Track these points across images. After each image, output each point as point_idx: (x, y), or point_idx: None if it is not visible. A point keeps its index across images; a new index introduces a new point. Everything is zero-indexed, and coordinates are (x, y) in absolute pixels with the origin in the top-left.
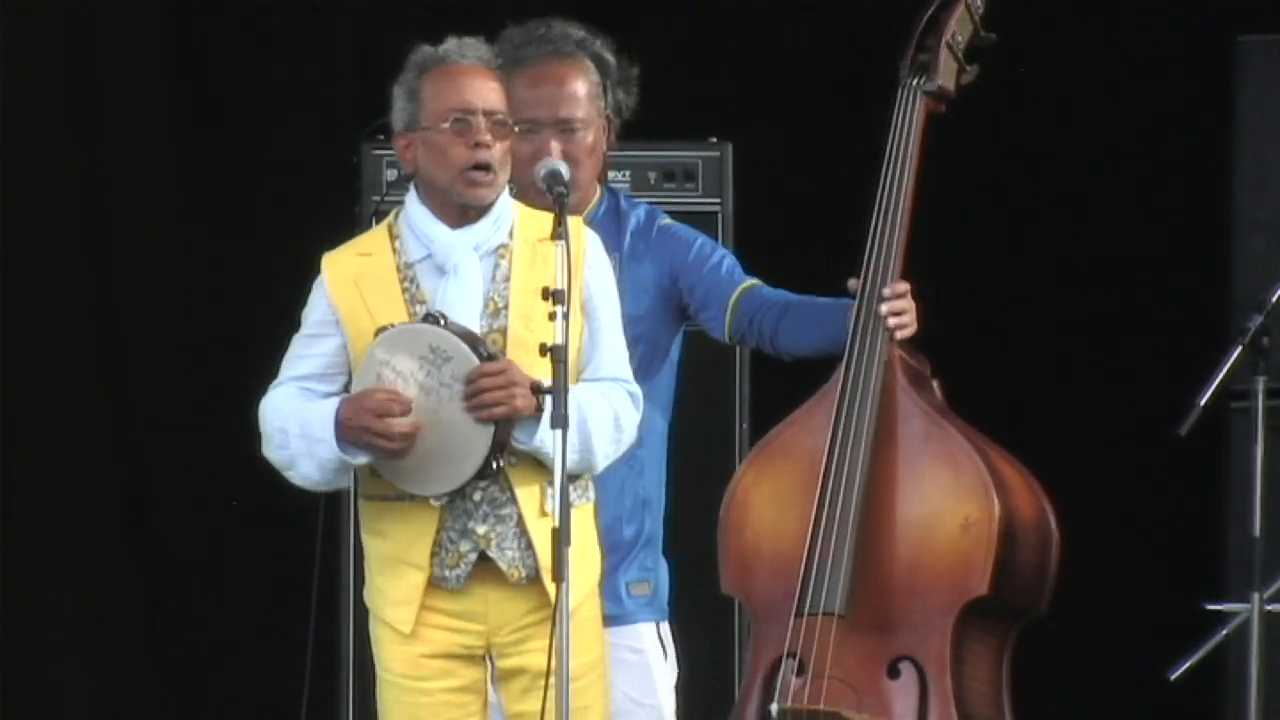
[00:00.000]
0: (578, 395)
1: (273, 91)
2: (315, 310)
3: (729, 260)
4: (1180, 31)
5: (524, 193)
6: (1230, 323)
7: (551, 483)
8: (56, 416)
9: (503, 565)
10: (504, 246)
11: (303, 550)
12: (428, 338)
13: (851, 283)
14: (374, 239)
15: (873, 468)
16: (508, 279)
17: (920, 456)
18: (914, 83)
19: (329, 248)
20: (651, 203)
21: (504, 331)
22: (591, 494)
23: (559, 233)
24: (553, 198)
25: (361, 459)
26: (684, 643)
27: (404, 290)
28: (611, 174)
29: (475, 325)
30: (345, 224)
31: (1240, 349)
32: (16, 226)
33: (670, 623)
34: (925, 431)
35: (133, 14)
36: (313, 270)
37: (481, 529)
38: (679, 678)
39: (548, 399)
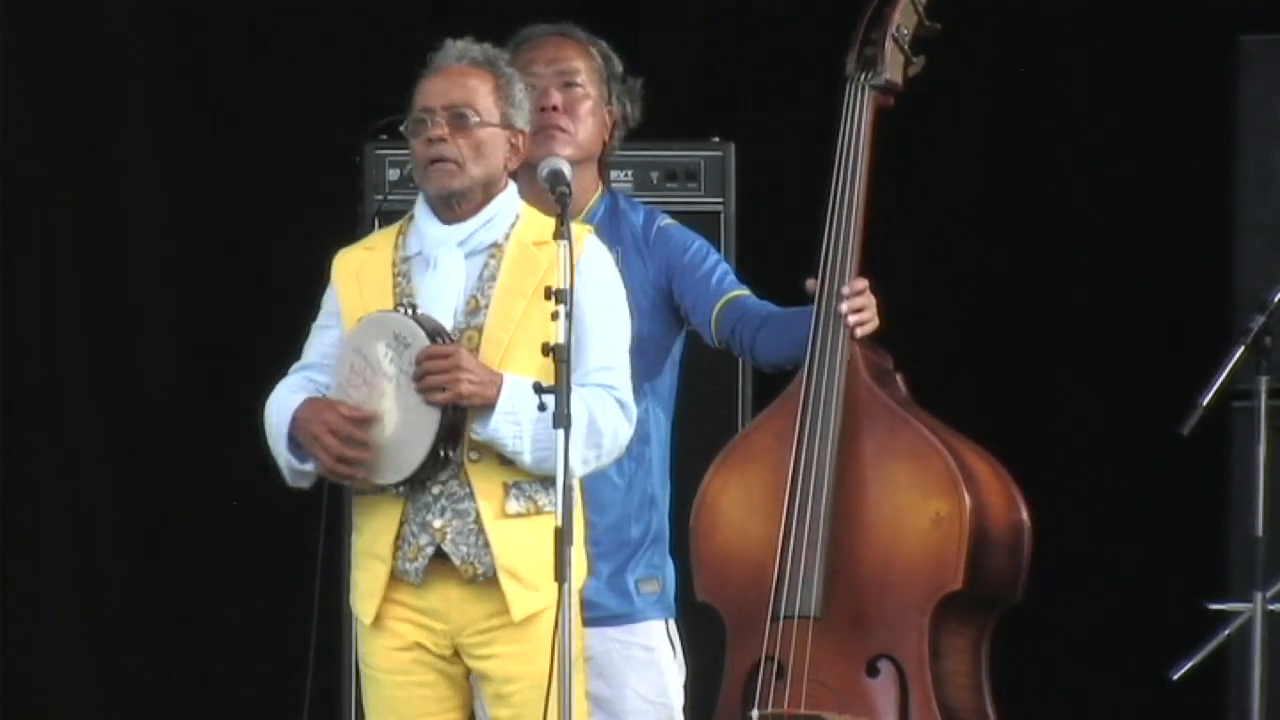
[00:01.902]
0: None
1: (273, 91)
2: (326, 302)
3: (722, 267)
4: (1182, 31)
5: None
6: (1232, 322)
7: (514, 484)
8: (56, 416)
9: (456, 561)
10: (496, 246)
11: (303, 550)
12: (392, 325)
13: (809, 283)
14: (383, 235)
15: (840, 467)
16: (494, 278)
17: (887, 453)
18: (861, 78)
19: (331, 247)
20: (654, 203)
21: (480, 329)
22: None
23: (561, 232)
24: (555, 197)
25: (308, 466)
26: (687, 642)
27: (395, 284)
28: (614, 174)
29: (449, 321)
30: (348, 224)
31: (1242, 348)
32: (16, 226)
33: (675, 622)
34: (891, 428)
35: (133, 14)
36: (315, 269)
37: (438, 523)
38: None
39: (531, 390)
